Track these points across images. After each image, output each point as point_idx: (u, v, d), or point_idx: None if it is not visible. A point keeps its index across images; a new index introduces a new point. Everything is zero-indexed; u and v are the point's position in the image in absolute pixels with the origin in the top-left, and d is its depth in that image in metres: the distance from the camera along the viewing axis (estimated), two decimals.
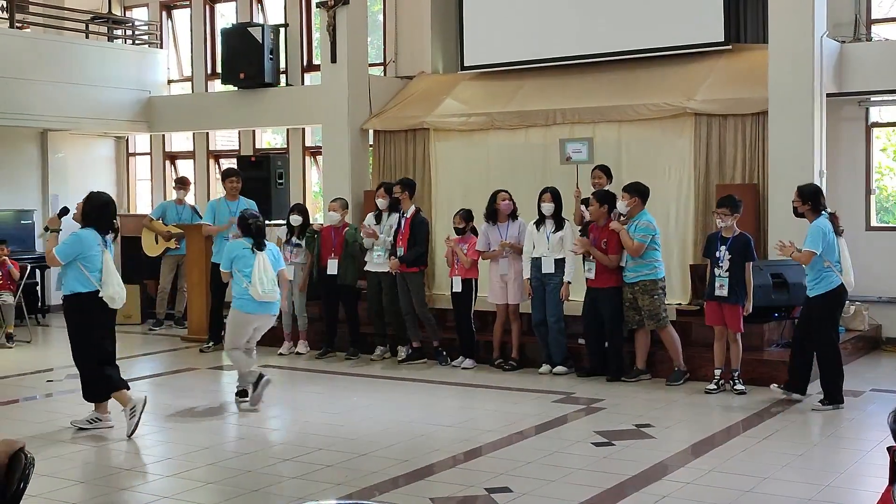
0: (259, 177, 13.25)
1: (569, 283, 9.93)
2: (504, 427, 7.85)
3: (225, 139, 16.27)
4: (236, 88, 14.76)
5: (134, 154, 16.73)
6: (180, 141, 16.63)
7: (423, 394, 9.36)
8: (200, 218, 13.10)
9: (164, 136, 16.28)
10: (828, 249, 8.30)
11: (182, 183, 13.70)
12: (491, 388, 9.54)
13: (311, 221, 11.77)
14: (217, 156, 16.07)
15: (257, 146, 15.52)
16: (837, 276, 8.32)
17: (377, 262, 10.83)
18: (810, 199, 8.47)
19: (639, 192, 9.61)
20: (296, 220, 11.41)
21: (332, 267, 11.06)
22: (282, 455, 7.08)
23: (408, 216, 10.65)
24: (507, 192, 10.46)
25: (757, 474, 6.46)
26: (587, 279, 9.69)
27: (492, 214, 10.36)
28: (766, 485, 6.24)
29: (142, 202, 16.70)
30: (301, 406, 8.90)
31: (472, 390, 9.54)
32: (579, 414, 8.41)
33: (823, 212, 8.47)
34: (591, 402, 8.85)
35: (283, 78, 14.86)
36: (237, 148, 15.65)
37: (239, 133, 15.49)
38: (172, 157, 16.56)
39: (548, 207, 9.95)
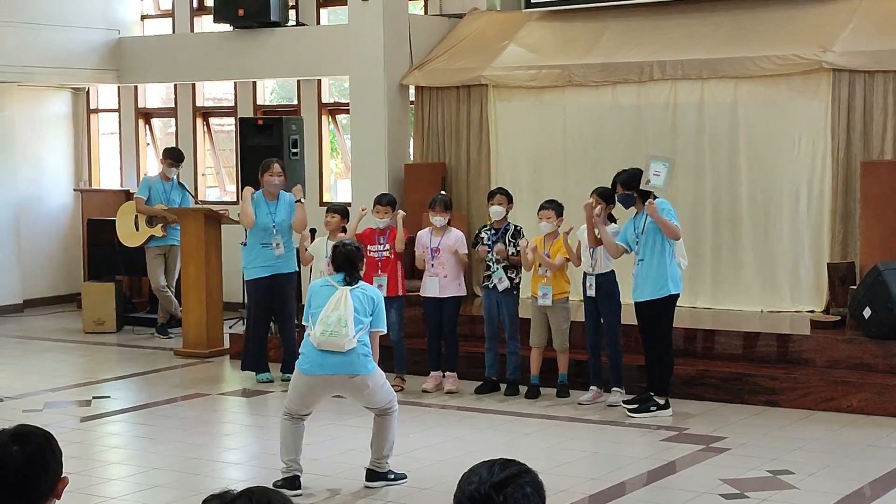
0: (267, 144, 11.62)
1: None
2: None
3: (217, 91, 15.00)
4: (232, 28, 13.57)
5: (97, 111, 15.39)
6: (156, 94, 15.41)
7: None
8: (192, 196, 12.23)
9: (136, 87, 14.96)
10: None
11: (174, 158, 12.15)
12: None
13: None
14: (206, 114, 14.71)
15: (258, 103, 14.27)
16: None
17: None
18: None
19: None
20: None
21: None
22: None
23: None
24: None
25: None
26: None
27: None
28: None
29: (108, 173, 15.33)
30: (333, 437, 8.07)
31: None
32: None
33: None
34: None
35: (292, 14, 13.61)
36: (233, 105, 14.32)
37: (235, 86, 14.18)
38: (147, 116, 15.17)
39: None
